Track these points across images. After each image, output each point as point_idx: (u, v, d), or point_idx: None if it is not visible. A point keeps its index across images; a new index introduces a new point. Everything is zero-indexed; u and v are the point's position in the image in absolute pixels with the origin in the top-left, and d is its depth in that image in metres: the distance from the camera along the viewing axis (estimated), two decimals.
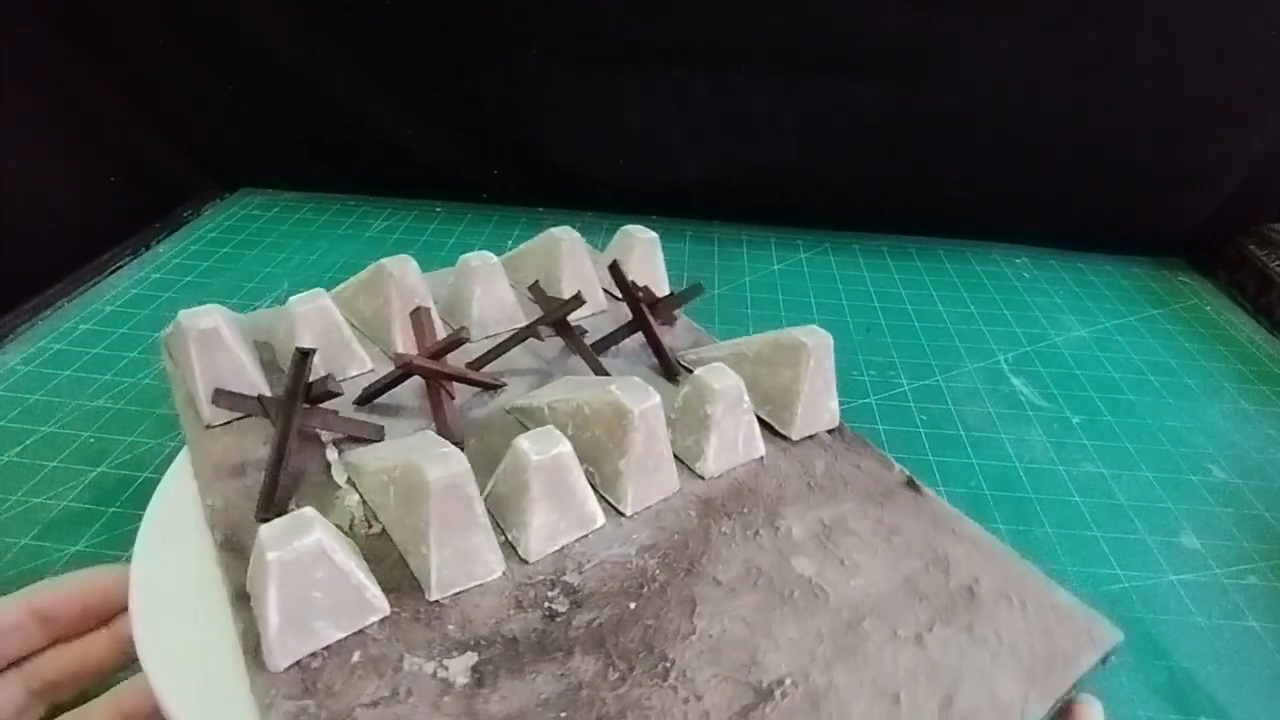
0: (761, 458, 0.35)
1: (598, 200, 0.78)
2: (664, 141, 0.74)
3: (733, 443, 0.34)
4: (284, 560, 0.24)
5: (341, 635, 0.26)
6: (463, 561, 0.28)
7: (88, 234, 0.65)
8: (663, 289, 0.45)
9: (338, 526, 0.30)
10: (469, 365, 0.37)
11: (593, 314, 0.44)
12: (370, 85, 0.72)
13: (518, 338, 0.38)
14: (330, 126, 0.75)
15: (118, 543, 0.39)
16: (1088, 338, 0.63)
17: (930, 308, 0.65)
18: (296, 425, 0.31)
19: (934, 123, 0.70)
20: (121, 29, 0.67)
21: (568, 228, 0.45)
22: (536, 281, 0.42)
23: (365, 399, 0.36)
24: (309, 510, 0.26)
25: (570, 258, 0.44)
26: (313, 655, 0.26)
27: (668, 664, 0.26)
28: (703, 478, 0.34)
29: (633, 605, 0.28)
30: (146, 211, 0.71)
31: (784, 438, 0.36)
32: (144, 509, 0.33)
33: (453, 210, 0.77)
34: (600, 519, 0.31)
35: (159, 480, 0.33)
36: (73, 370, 0.52)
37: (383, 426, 0.34)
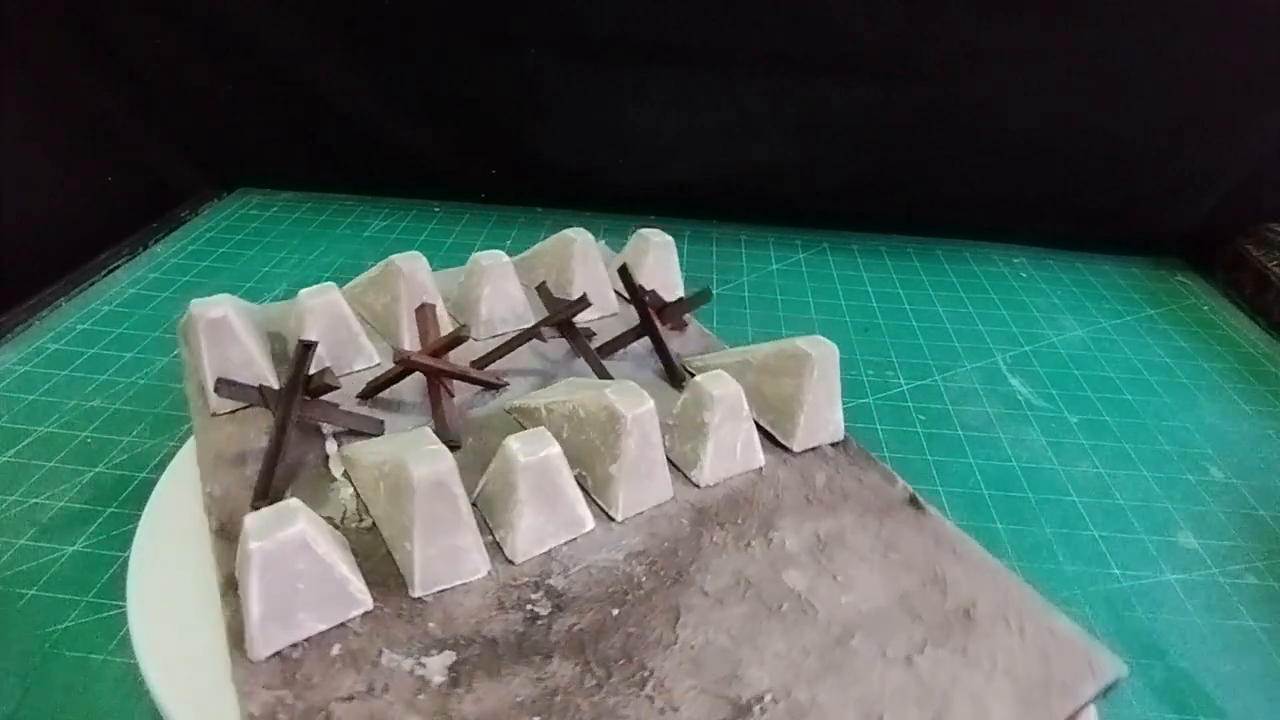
0: (760, 468, 0.35)
1: (596, 200, 0.78)
2: (662, 141, 0.74)
3: (730, 451, 0.34)
4: (266, 550, 0.24)
5: (324, 627, 0.26)
6: (447, 560, 0.28)
7: (85, 234, 0.65)
8: (676, 293, 0.45)
9: (330, 519, 0.30)
10: (473, 363, 0.37)
11: (602, 316, 0.44)
12: (368, 85, 0.72)
13: (521, 338, 0.38)
14: (328, 126, 0.75)
15: (115, 543, 0.39)
16: (1085, 338, 0.63)
17: (928, 308, 0.65)
18: (295, 417, 0.31)
19: (932, 123, 0.70)
20: (120, 29, 0.67)
21: (581, 229, 0.45)
22: (544, 282, 0.42)
23: (367, 393, 0.36)
24: (294, 501, 0.26)
25: (582, 259, 0.44)
26: (294, 646, 0.26)
27: (646, 673, 0.26)
28: (699, 486, 0.33)
29: (616, 611, 0.28)
30: (144, 211, 0.71)
31: (786, 449, 0.35)
32: (142, 509, 0.33)
33: (451, 210, 0.77)
34: (589, 523, 0.31)
35: (157, 480, 0.33)
36: (70, 370, 0.52)
37: (383, 421, 0.34)
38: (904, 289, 0.68)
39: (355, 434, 0.34)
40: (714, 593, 0.29)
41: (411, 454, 0.27)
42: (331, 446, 0.34)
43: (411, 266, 0.40)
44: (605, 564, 0.30)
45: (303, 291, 0.37)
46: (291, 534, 0.25)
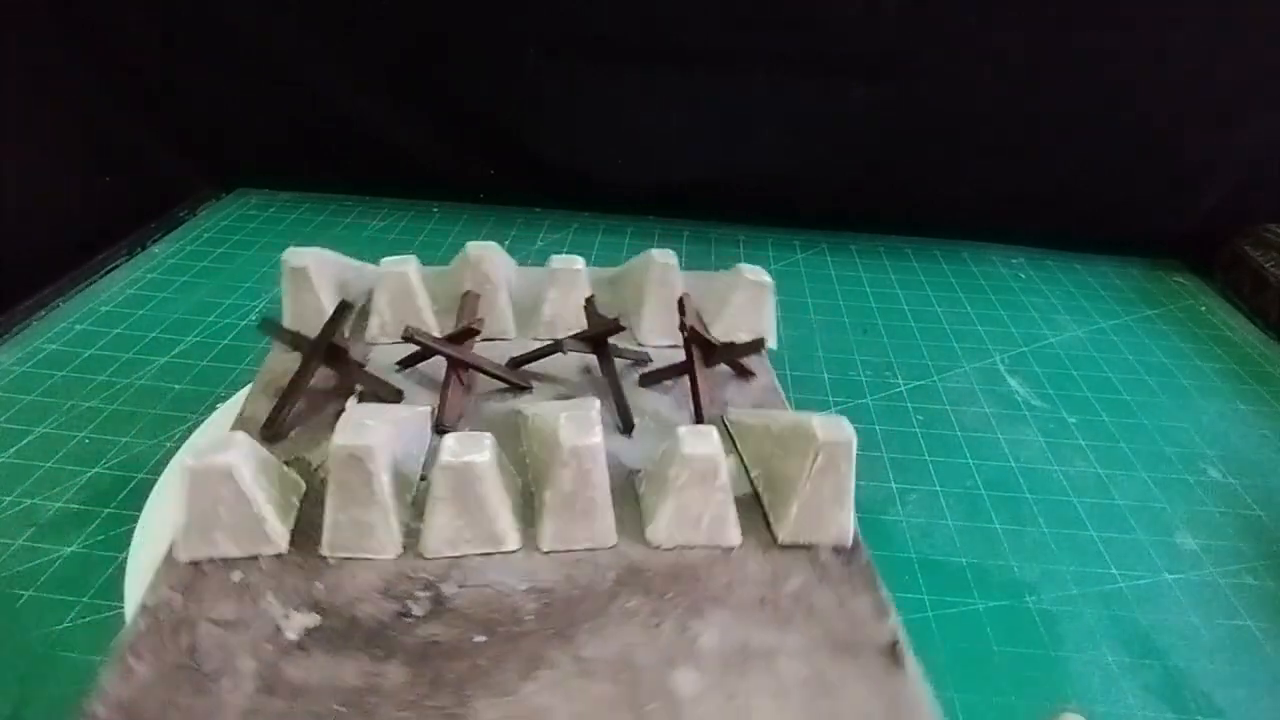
0: (732, 548, 0.30)
1: (595, 200, 0.78)
2: (661, 142, 0.74)
3: (694, 519, 0.30)
4: (195, 469, 0.27)
5: (238, 554, 0.28)
6: (356, 532, 0.29)
7: (83, 234, 0.65)
8: (767, 340, 0.41)
9: (307, 463, 0.32)
10: (510, 362, 0.38)
11: (671, 344, 0.41)
12: (368, 85, 0.72)
13: (548, 349, 0.38)
14: (327, 126, 0.75)
15: (113, 544, 0.39)
16: (1084, 338, 0.63)
17: (927, 308, 0.65)
18: (316, 365, 0.35)
19: (931, 124, 0.70)
20: (119, 29, 0.67)
21: (667, 251, 0.42)
22: (591, 297, 0.40)
23: (405, 364, 0.38)
24: (240, 435, 0.28)
25: (658, 282, 0.41)
26: (211, 561, 0.28)
27: (463, 711, 0.24)
28: (648, 544, 0.30)
29: (481, 639, 0.26)
30: (142, 211, 0.71)
31: (772, 535, 0.31)
32: (139, 510, 0.33)
33: (449, 210, 0.77)
34: (512, 543, 0.29)
35: (154, 481, 0.33)
36: (68, 370, 0.51)
37: (402, 392, 0.36)
38: (902, 289, 0.68)
39: (376, 396, 0.36)
40: (587, 660, 0.26)
41: (344, 425, 0.29)
42: (352, 403, 0.36)
43: (478, 255, 0.41)
44: (503, 589, 0.28)
45: (385, 259, 0.40)
46: (220, 461, 0.27)
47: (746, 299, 0.41)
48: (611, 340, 0.38)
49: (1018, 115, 0.68)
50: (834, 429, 0.30)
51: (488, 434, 0.29)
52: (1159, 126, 0.68)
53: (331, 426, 0.33)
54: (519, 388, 0.38)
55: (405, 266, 0.40)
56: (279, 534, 0.28)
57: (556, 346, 0.38)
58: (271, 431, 0.33)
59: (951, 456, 0.49)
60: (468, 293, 0.39)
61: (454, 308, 0.41)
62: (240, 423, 0.34)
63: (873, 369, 0.57)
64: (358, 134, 0.75)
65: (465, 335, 0.37)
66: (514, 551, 0.29)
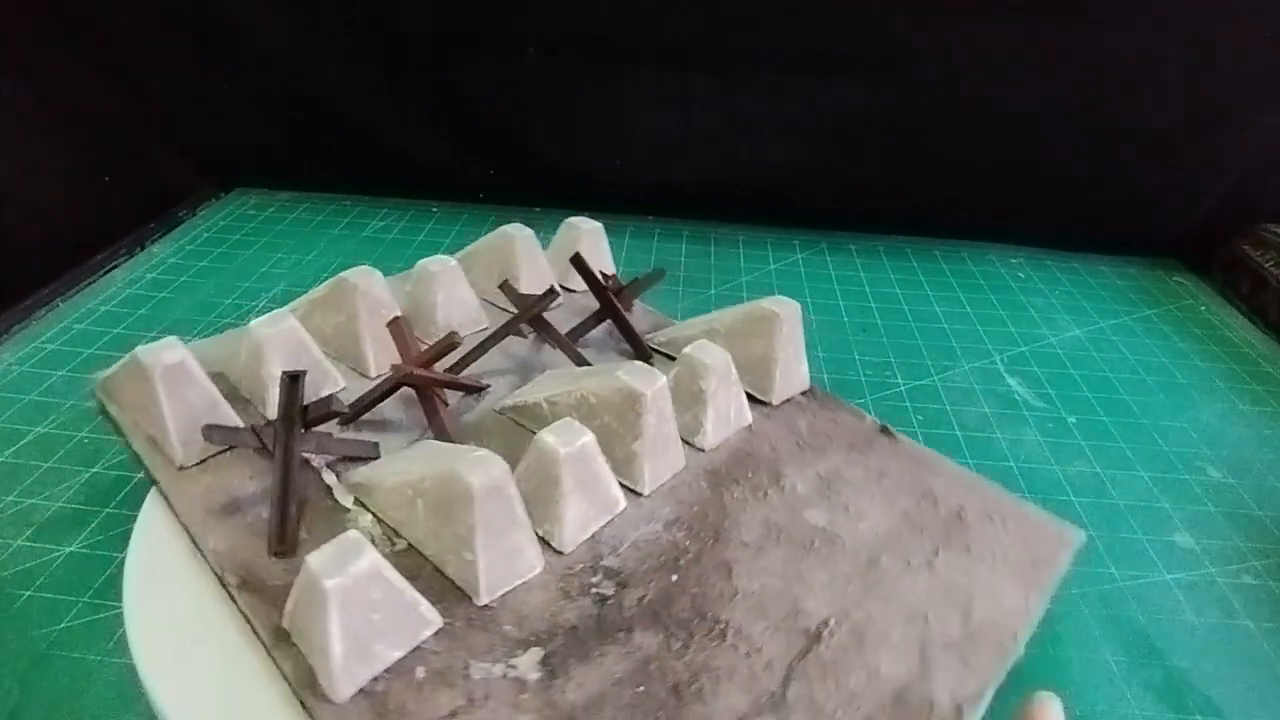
0: (750, 425, 0.38)
1: (594, 200, 0.77)
2: (660, 142, 0.74)
3: (725, 414, 0.37)
4: (343, 586, 0.24)
5: (400, 654, 0.26)
6: (506, 562, 0.29)
7: (83, 234, 0.65)
8: (610, 269, 0.47)
9: None
10: (447, 370, 0.37)
11: (552, 307, 0.45)
12: (366, 85, 0.72)
13: (496, 337, 0.38)
14: (326, 126, 0.75)
15: (112, 544, 0.39)
16: (1083, 338, 0.63)
17: (926, 308, 0.65)
18: (297, 452, 0.30)
19: (930, 124, 0.70)
20: (118, 29, 0.67)
21: (520, 225, 0.47)
22: (506, 280, 0.43)
23: (352, 416, 0.35)
24: (354, 533, 0.26)
25: (526, 254, 0.45)
26: (374, 679, 0.25)
27: (722, 625, 0.28)
28: (703, 450, 0.36)
29: (674, 578, 0.30)
30: (142, 211, 0.71)
31: (764, 404, 0.39)
32: (138, 510, 0.32)
33: (449, 210, 0.77)
34: (623, 503, 0.32)
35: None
36: (68, 370, 0.51)
37: (378, 444, 0.34)
38: (902, 289, 0.68)
39: (349, 460, 0.33)
40: (752, 543, 0.32)
41: (462, 464, 0.28)
42: (330, 477, 0.32)
43: (367, 282, 0.39)
44: (649, 537, 0.31)
45: (255, 323, 0.35)
46: (365, 566, 0.25)
47: (589, 246, 0.48)
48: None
49: (1017, 116, 0.68)
50: (784, 305, 0.39)
51: (567, 419, 0.31)
52: (1159, 126, 0.68)
53: (336, 508, 0.31)
54: (479, 389, 0.38)
55: (286, 322, 0.36)
56: (432, 611, 0.27)
57: (510, 329, 0.39)
58: (286, 546, 0.29)
59: (951, 456, 0.48)
60: (396, 318, 0.38)
61: (341, 347, 0.39)
62: (223, 561, 0.29)
63: (872, 368, 0.57)
64: (358, 134, 0.75)
65: (444, 350, 0.36)
66: (624, 509, 0.32)
